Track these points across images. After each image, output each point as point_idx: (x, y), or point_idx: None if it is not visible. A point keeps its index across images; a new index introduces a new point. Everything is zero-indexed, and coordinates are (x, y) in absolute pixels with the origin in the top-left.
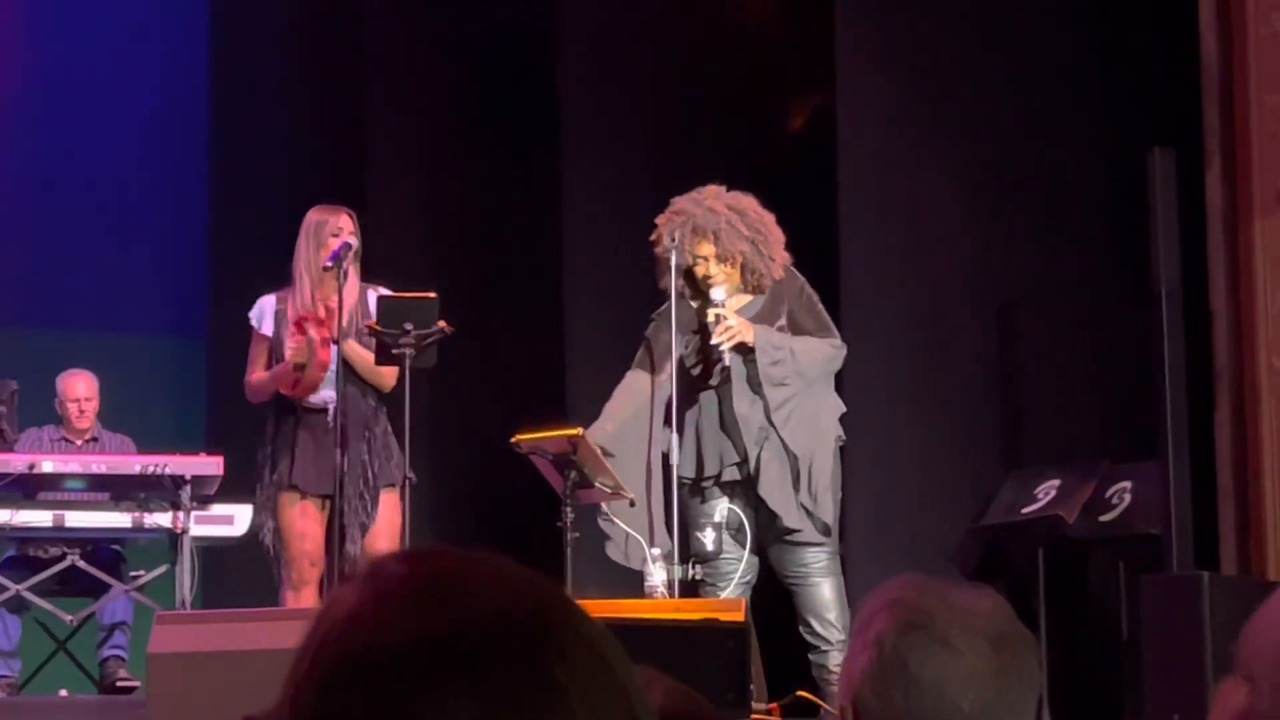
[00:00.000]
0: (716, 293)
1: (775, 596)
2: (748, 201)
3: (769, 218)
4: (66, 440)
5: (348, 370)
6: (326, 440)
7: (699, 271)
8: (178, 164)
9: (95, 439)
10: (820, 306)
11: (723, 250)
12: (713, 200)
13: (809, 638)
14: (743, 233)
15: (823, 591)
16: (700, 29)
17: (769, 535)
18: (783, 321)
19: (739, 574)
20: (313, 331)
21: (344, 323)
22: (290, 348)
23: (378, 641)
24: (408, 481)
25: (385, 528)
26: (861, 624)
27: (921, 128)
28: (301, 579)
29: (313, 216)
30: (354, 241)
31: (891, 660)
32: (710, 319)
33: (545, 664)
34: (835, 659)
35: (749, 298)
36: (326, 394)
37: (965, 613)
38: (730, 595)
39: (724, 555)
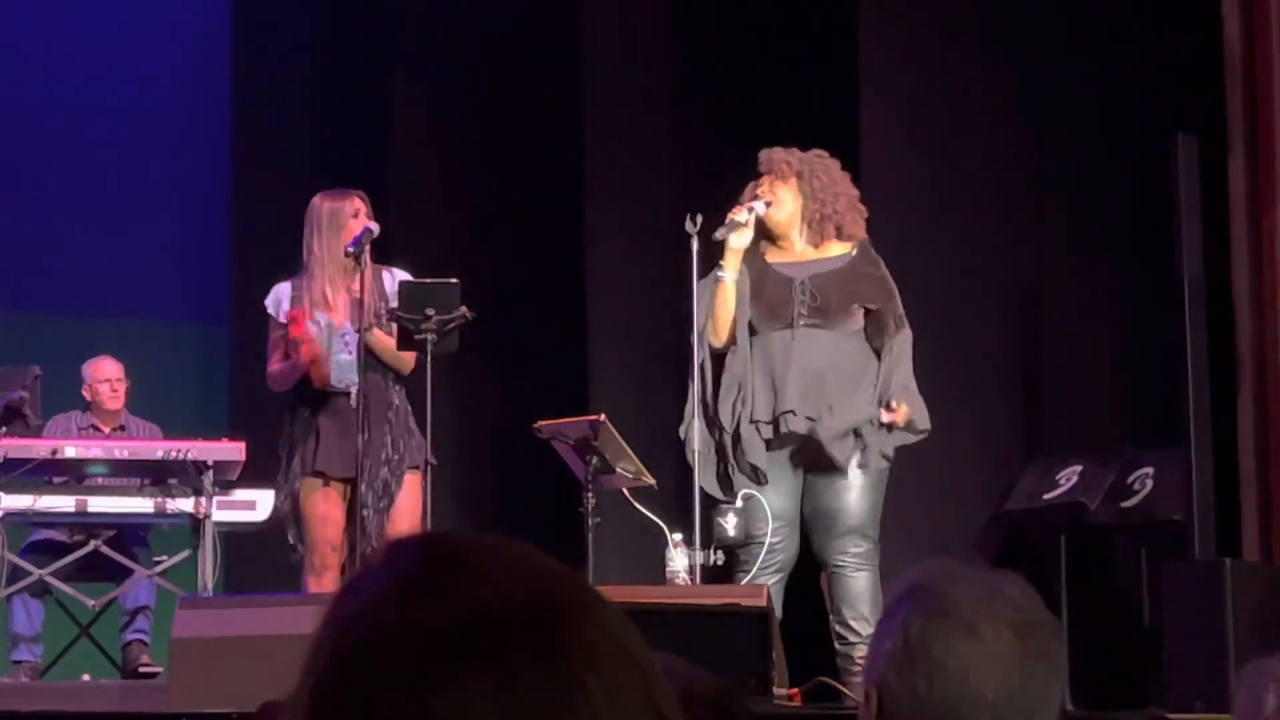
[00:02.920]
0: (759, 204)
1: (801, 582)
2: (821, 154)
3: (842, 176)
4: (95, 428)
5: (369, 355)
6: (349, 425)
7: (760, 191)
8: (199, 149)
9: (123, 427)
10: (897, 295)
11: (770, 166)
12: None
13: (839, 628)
14: (793, 161)
15: (860, 583)
16: (722, 14)
17: (816, 518)
18: (859, 302)
19: (788, 560)
20: (294, 331)
21: (365, 308)
22: (291, 340)
23: (395, 631)
24: (429, 465)
25: (408, 511)
26: (887, 610)
27: (944, 115)
28: (324, 564)
29: (324, 205)
30: (374, 225)
31: (917, 646)
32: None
33: (565, 655)
34: (861, 651)
35: (816, 254)
36: (349, 379)
37: (991, 600)
38: (773, 581)
39: (772, 540)
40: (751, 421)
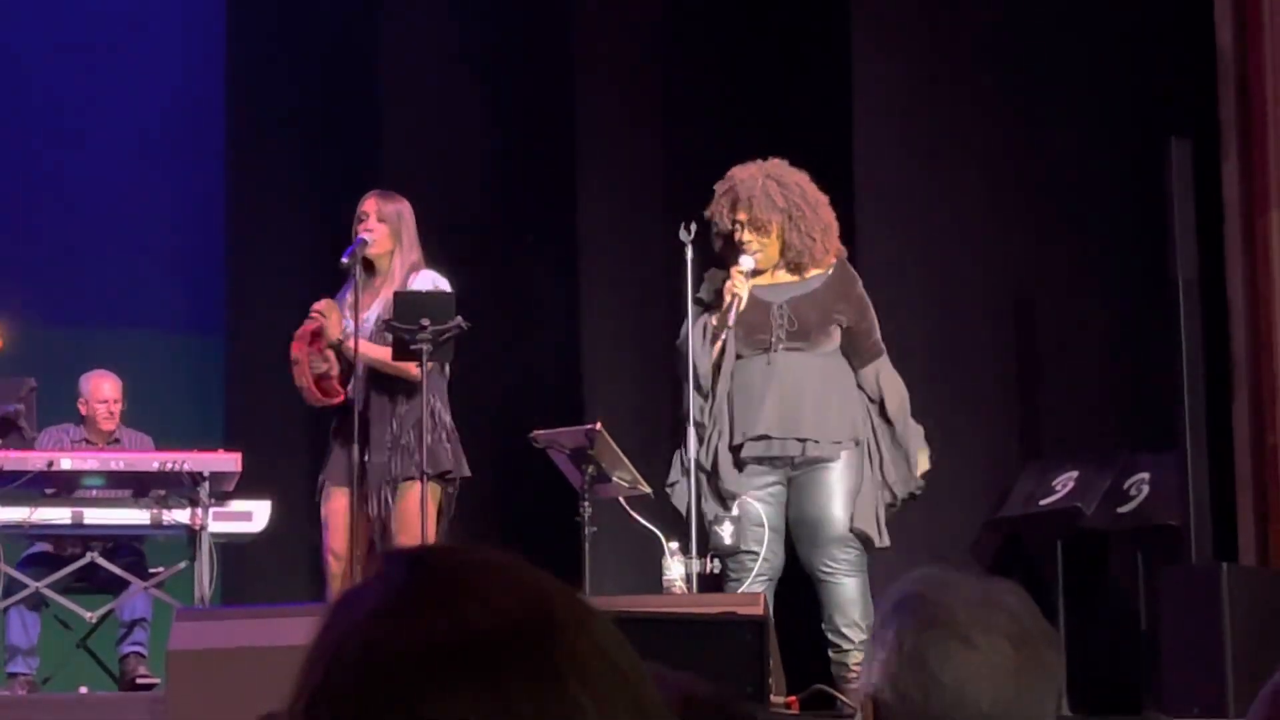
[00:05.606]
0: (746, 260)
1: (798, 591)
2: (796, 176)
3: (819, 199)
4: (88, 442)
5: (369, 369)
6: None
7: (736, 237)
8: (194, 159)
9: (117, 440)
10: (873, 313)
11: (754, 217)
12: (755, 167)
13: (831, 635)
14: (777, 203)
15: (848, 590)
16: (715, 22)
17: (801, 528)
18: (836, 321)
19: (775, 569)
20: (294, 351)
21: (359, 321)
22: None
23: (388, 646)
24: (425, 476)
25: (408, 522)
26: (882, 619)
27: (937, 119)
28: (329, 570)
29: None
30: (366, 236)
31: (912, 657)
32: (728, 287)
33: (557, 671)
34: (856, 658)
35: (794, 278)
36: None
37: (987, 609)
38: (764, 588)
39: (758, 549)
40: (729, 448)
